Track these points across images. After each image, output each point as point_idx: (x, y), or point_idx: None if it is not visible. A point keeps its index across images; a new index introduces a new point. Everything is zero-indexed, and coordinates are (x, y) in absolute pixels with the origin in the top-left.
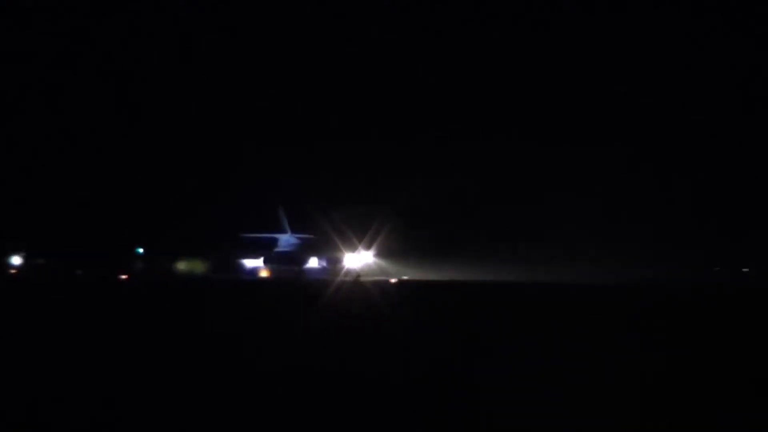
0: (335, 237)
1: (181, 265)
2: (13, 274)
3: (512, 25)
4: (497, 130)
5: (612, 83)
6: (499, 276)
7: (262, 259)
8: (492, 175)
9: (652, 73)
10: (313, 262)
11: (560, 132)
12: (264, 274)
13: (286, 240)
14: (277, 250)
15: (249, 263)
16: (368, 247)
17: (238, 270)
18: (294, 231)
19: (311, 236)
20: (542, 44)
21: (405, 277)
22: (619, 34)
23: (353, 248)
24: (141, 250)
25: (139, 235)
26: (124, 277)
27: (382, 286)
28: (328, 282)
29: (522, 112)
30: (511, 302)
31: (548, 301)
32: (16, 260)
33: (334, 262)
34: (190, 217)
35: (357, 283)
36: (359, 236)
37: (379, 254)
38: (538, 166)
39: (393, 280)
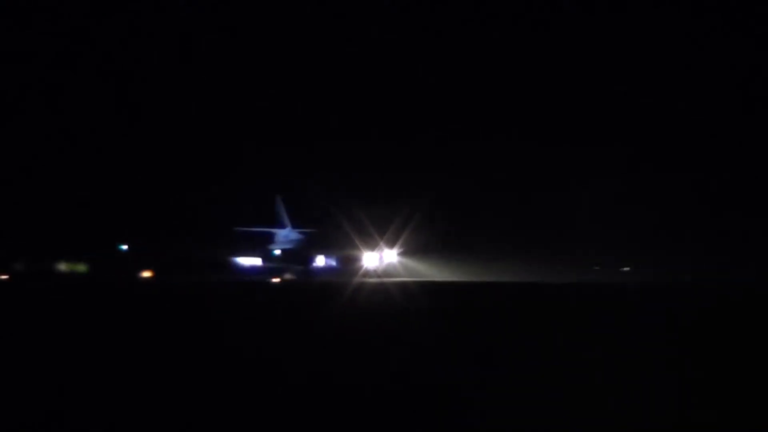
0: (350, 233)
1: (62, 266)
2: None
3: (512, 25)
4: (526, 124)
5: (614, 83)
6: (527, 276)
7: (260, 257)
8: (515, 173)
9: (653, 73)
10: (320, 261)
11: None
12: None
13: (285, 235)
14: (275, 246)
15: (244, 261)
16: (391, 245)
17: (232, 269)
18: (295, 225)
19: (314, 231)
20: (543, 44)
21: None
22: (620, 33)
23: (373, 246)
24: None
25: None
26: (4, 277)
27: (402, 288)
28: (339, 284)
29: (539, 108)
30: (533, 304)
31: (575, 303)
32: None
33: (348, 261)
34: (170, 211)
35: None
36: (381, 233)
37: (404, 253)
38: (560, 162)
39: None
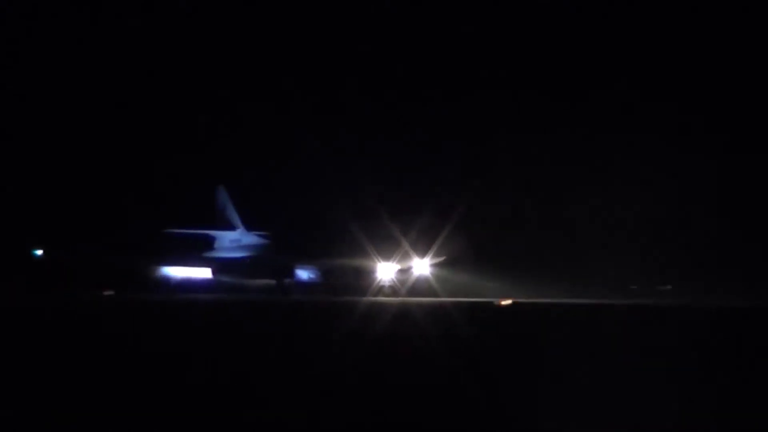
0: (352, 235)
1: None
2: None
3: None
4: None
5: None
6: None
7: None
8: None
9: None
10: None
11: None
12: None
13: (233, 239)
14: (220, 253)
15: (181, 273)
16: (423, 253)
17: (163, 282)
18: (248, 226)
19: (288, 232)
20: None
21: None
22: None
23: (391, 253)
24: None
25: None
26: None
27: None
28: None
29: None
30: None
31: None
32: None
33: (350, 273)
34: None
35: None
36: (404, 234)
37: (442, 263)
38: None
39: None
